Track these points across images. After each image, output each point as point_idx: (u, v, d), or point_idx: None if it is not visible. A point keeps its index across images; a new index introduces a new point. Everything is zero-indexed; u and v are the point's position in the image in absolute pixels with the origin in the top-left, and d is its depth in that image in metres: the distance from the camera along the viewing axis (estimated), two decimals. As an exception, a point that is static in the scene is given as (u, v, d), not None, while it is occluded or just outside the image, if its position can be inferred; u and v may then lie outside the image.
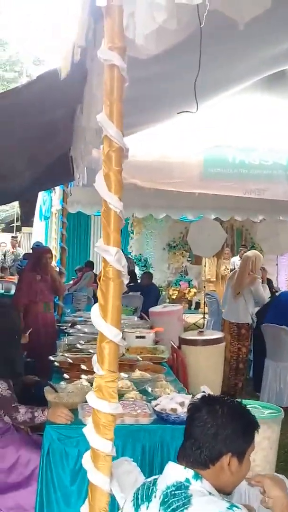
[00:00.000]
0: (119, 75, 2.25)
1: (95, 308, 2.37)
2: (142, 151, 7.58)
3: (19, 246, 18.94)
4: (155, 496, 1.90)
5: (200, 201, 10.49)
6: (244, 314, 7.38)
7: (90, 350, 4.89)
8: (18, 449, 3.53)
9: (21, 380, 3.92)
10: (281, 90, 6.41)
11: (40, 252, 7.13)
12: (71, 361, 4.49)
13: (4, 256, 17.25)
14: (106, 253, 2.30)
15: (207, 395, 2.18)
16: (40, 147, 4.91)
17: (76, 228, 17.38)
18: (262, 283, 7.51)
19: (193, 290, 15.95)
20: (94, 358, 2.41)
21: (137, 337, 5.25)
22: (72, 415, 3.30)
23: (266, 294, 7.62)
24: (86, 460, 2.34)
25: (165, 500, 1.84)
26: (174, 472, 1.94)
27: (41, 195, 12.72)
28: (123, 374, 4.09)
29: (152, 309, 7.76)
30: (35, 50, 29.45)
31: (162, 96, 4.34)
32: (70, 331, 5.96)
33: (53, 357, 4.78)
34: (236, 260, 14.38)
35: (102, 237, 2.36)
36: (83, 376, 4.05)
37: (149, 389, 3.80)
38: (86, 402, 3.46)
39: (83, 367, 4.29)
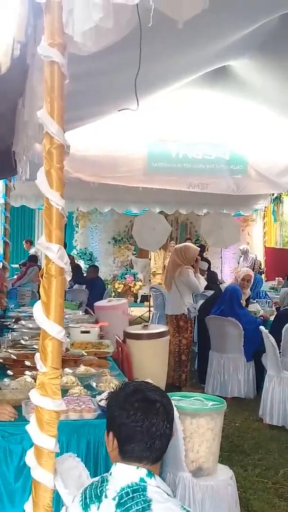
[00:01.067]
0: (59, 72, 2.24)
1: (38, 305, 2.37)
2: (86, 146, 7.58)
3: None
4: (105, 496, 1.90)
5: (145, 195, 10.57)
6: (179, 306, 7.36)
7: (35, 346, 4.87)
8: None
9: None
10: (224, 85, 6.47)
11: None
12: (14, 357, 4.46)
13: None
14: (48, 251, 2.29)
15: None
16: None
17: (20, 222, 17.21)
18: (196, 273, 7.47)
19: (139, 284, 16.01)
20: (37, 355, 2.40)
21: (82, 332, 5.25)
22: (16, 412, 3.28)
23: (201, 285, 7.60)
24: (30, 458, 2.34)
25: (121, 502, 1.84)
26: (127, 473, 1.94)
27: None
28: (67, 370, 4.10)
29: (97, 304, 7.77)
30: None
31: (104, 91, 4.35)
32: (14, 326, 5.91)
33: (-4, 353, 4.75)
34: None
35: (43, 234, 2.35)
36: (27, 372, 4.03)
37: (94, 384, 3.82)
38: (30, 398, 3.48)
39: (27, 363, 4.27)
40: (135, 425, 1.97)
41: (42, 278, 2.36)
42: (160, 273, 16.15)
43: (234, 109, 7.34)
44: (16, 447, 3.17)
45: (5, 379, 3.86)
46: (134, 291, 15.97)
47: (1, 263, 7.67)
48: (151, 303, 12.23)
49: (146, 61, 2.76)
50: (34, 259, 12.19)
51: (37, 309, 2.36)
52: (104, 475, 2.03)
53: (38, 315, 2.35)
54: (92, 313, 7.03)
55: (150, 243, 11.98)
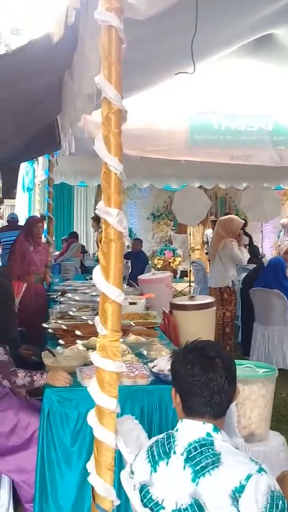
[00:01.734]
0: (116, 36, 2.25)
1: (97, 270, 2.41)
2: (128, 119, 7.53)
3: (1, 218, 18.86)
4: (174, 452, 1.94)
5: (184, 170, 10.52)
6: (223, 278, 7.36)
7: (83, 317, 4.94)
8: (17, 413, 3.58)
9: (17, 345, 3.95)
10: (267, 54, 6.34)
11: (32, 222, 7.11)
12: (65, 328, 4.53)
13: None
14: (107, 215, 2.33)
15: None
16: (27, 115, 4.87)
17: (59, 199, 17.30)
18: (239, 246, 7.45)
19: (178, 259, 16.04)
20: (97, 318, 2.45)
21: (130, 303, 5.29)
22: (71, 378, 3.35)
23: (244, 258, 7.57)
24: (91, 418, 2.40)
25: (190, 456, 1.89)
26: (193, 428, 1.97)
27: (24, 166, 12.64)
28: (118, 339, 4.15)
29: (141, 277, 7.81)
30: (12, 19, 28.86)
31: (157, 57, 4.31)
32: (61, 299, 6.00)
33: (46, 324, 4.83)
34: (208, 233, 14.40)
35: (102, 199, 2.38)
36: (78, 341, 4.09)
37: (145, 352, 3.86)
38: (83, 365, 3.55)
39: (78, 332, 4.34)
40: (193, 380, 2.02)
41: (100, 243, 2.40)
42: (199, 249, 16.14)
43: (277, 79, 7.21)
44: (72, 411, 3.24)
45: (58, 348, 3.94)
46: (174, 267, 15.99)
47: (46, 238, 7.76)
48: (192, 278, 12.25)
49: (198, 26, 2.75)
50: (74, 235, 12.29)
51: (97, 273, 2.40)
52: (170, 431, 2.07)
53: (98, 279, 2.39)
54: (136, 286, 7.08)
55: (189, 218, 11.97)
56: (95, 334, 4.28)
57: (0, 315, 3.73)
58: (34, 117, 4.99)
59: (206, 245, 14.56)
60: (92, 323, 4.66)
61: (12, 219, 12.48)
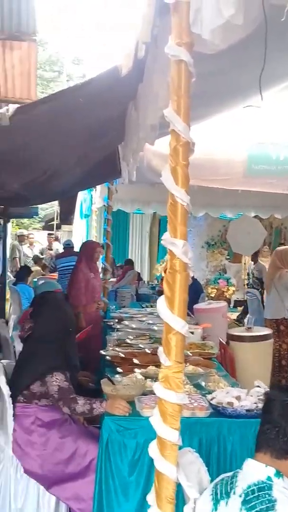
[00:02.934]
0: (186, 70, 2.29)
1: (162, 300, 2.42)
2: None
3: (58, 242, 19.13)
4: (234, 493, 1.92)
5: (241, 199, 10.50)
6: (279, 310, 7.27)
7: (140, 345, 4.95)
8: (76, 440, 3.60)
9: (76, 372, 3.98)
10: None
11: (92, 246, 7.18)
12: (123, 355, 4.55)
13: (41, 253, 17.44)
14: (173, 246, 2.34)
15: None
16: (90, 145, 4.97)
17: (115, 225, 17.39)
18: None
19: (232, 288, 15.87)
20: (160, 349, 2.46)
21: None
22: (130, 407, 3.35)
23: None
24: (152, 449, 2.38)
25: (247, 499, 1.86)
26: (255, 470, 1.95)
27: (81, 194, 12.87)
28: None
29: (196, 306, 7.77)
30: (74, 49, 29.64)
31: (224, 89, 4.34)
32: (118, 326, 6.03)
33: (104, 351, 4.85)
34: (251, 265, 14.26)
35: (168, 230, 2.40)
36: (136, 370, 4.10)
37: (203, 383, 3.83)
38: (141, 394, 3.55)
39: (135, 361, 4.34)
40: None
41: (165, 273, 2.41)
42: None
43: None
44: (130, 441, 3.24)
45: (117, 376, 3.95)
46: (227, 296, 15.82)
47: (103, 265, 7.82)
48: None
49: (259, 61, 2.75)
50: (130, 262, 12.37)
51: (161, 303, 2.41)
52: (237, 470, 2.04)
53: (162, 309, 2.40)
54: (192, 315, 7.05)
55: (244, 247, 11.93)
56: (153, 363, 4.31)
57: (62, 342, 3.77)
58: (97, 147, 5.09)
59: (248, 276, 14.32)
60: (149, 351, 4.69)
61: (68, 246, 12.70)
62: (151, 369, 4.12)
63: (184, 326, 2.34)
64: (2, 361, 4.00)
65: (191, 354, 4.68)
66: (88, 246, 7.27)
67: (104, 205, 10.74)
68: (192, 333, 5.28)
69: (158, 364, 4.22)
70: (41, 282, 10.23)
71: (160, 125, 3.80)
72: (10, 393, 3.64)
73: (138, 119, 4.15)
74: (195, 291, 10.62)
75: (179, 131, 2.30)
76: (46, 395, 3.64)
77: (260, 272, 13.06)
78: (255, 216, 12.13)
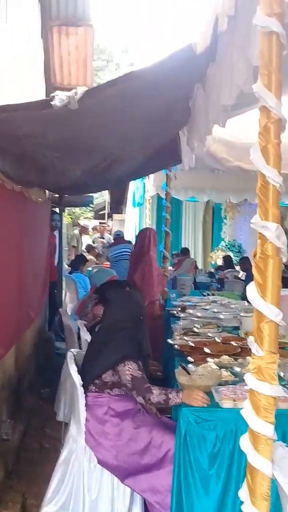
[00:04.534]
0: (278, 42, 2.15)
1: (252, 287, 2.30)
2: (247, 133, 7.39)
3: (110, 233, 19.12)
4: None
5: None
6: None
7: (209, 334, 4.84)
8: (150, 430, 3.51)
9: (148, 361, 3.89)
10: None
11: (154, 233, 7.04)
12: (192, 345, 4.44)
13: (93, 242, 17.48)
14: (264, 229, 2.22)
15: None
16: (154, 129, 4.84)
17: (161, 214, 17.27)
18: None
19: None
20: (251, 338, 2.34)
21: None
22: (208, 398, 3.24)
23: None
24: (245, 443, 2.27)
25: None
26: None
27: (133, 182, 12.80)
28: (250, 358, 4.00)
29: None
30: (123, 38, 29.51)
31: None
32: (181, 315, 5.92)
33: (171, 340, 4.76)
34: None
35: (258, 213, 2.27)
36: (209, 359, 3.98)
37: (281, 374, 3.69)
38: (219, 385, 3.43)
39: (207, 350, 4.23)
40: None
41: (255, 258, 2.29)
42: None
43: None
44: (210, 433, 3.13)
45: (190, 365, 3.84)
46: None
47: (162, 253, 7.72)
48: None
49: None
50: (186, 251, 12.26)
51: (252, 291, 2.29)
52: None
53: (253, 297, 2.29)
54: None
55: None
56: (225, 352, 4.18)
57: (133, 330, 3.68)
58: (161, 131, 4.95)
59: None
60: (219, 340, 4.56)
61: (118, 236, 12.72)
62: (225, 358, 4.00)
63: (278, 315, 2.22)
64: (71, 350, 3.93)
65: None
66: (152, 232, 7.08)
67: (158, 193, 10.70)
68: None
69: (230, 353, 4.12)
70: (95, 270, 10.18)
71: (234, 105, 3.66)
72: (82, 382, 3.57)
73: (208, 100, 4.01)
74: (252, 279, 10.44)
75: (271, 107, 2.16)
76: (118, 384, 3.56)
77: None
78: None
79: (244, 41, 2.70)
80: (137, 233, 11.04)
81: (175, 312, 6.18)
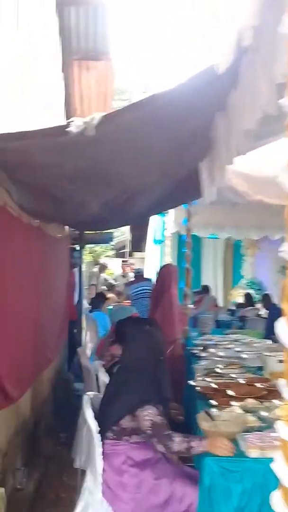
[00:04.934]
0: (307, 52, 1.96)
1: (282, 323, 2.07)
2: (267, 165, 7.22)
3: (132, 271, 18.98)
4: None
5: None
6: None
7: (232, 375, 4.56)
8: (171, 482, 3.23)
9: (169, 405, 3.62)
10: None
11: (176, 270, 6.82)
12: (215, 386, 4.17)
13: (115, 280, 17.35)
14: (295, 258, 1.99)
15: None
16: (174, 160, 4.67)
17: (182, 251, 17.07)
18: None
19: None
20: (282, 381, 2.10)
21: (280, 361, 4.83)
22: (234, 446, 2.97)
23: None
24: (276, 502, 2.00)
25: None
26: None
27: (153, 219, 12.68)
28: (277, 401, 3.72)
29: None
30: (142, 79, 29.77)
31: None
32: (202, 354, 5.66)
33: (193, 381, 4.49)
34: None
35: (286, 241, 2.05)
36: (233, 403, 3.71)
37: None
38: (244, 431, 3.16)
39: (230, 392, 3.95)
40: None
41: (284, 291, 2.07)
42: None
43: None
44: (236, 486, 2.86)
45: (213, 409, 3.56)
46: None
47: (183, 291, 7.47)
48: None
49: None
50: (206, 289, 12.04)
51: (282, 327, 2.06)
52: None
53: (283, 334, 2.05)
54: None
55: None
56: (250, 394, 3.91)
57: (153, 372, 3.44)
58: (180, 162, 4.78)
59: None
60: (243, 381, 4.29)
61: (138, 273, 12.57)
62: (250, 402, 3.72)
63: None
64: (88, 393, 3.68)
65: None
66: (174, 269, 6.85)
67: (178, 231, 10.54)
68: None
69: (256, 396, 3.84)
70: (115, 309, 9.97)
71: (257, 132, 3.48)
72: (99, 429, 3.32)
73: (229, 127, 3.83)
74: (275, 316, 10.14)
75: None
76: (137, 431, 3.30)
77: None
78: None
79: (267, 56, 2.52)
80: (158, 271, 10.85)
81: (196, 351, 5.92)
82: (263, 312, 11.44)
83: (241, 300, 13.92)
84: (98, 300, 10.74)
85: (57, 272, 6.86)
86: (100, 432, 3.32)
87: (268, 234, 12.15)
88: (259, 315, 10.84)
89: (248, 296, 13.19)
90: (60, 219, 5.68)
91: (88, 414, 3.36)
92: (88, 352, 8.61)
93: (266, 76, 2.60)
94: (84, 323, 10.61)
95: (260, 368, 4.99)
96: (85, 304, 12.12)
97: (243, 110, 3.17)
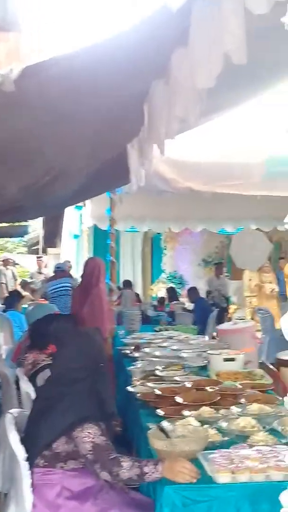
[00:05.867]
0: None
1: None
2: (198, 151, 6.80)
3: (45, 267, 18.19)
4: None
5: (240, 211, 9.96)
6: None
7: (176, 378, 4.04)
8: (119, 514, 2.66)
9: (113, 421, 3.04)
10: None
11: (103, 263, 6.22)
12: (159, 393, 3.63)
13: (31, 277, 16.57)
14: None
15: None
16: (104, 138, 4.09)
17: (102, 246, 16.51)
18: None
19: (233, 307, 15.04)
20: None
21: (225, 359, 4.36)
22: (197, 470, 2.44)
23: None
24: None
25: None
26: None
27: (68, 213, 12.10)
28: (235, 408, 3.23)
29: (221, 327, 6.87)
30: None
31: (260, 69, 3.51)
32: (136, 355, 5.13)
33: (131, 387, 3.95)
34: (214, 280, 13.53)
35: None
36: (185, 412, 3.18)
37: (279, 428, 2.93)
38: (206, 450, 2.64)
39: (179, 399, 3.42)
40: None
41: None
42: (256, 295, 15.11)
43: None
44: (203, 519, 2.33)
45: (164, 423, 2.99)
46: (229, 315, 14.98)
47: (108, 285, 6.89)
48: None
49: None
50: (128, 284, 11.56)
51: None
52: None
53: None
54: (216, 338, 6.17)
55: (249, 262, 11.39)
56: (201, 401, 3.39)
57: (92, 382, 2.84)
58: (110, 141, 4.22)
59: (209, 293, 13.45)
60: (189, 385, 3.78)
61: (58, 269, 11.94)
62: (205, 410, 3.19)
63: None
64: (11, 411, 3.01)
65: (241, 387, 3.78)
66: (101, 262, 6.23)
67: (95, 224, 10.02)
68: (233, 359, 4.38)
69: (209, 403, 3.33)
70: (31, 307, 9.13)
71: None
72: (26, 455, 2.70)
73: (173, 94, 3.29)
74: (205, 311, 9.82)
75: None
76: (74, 455, 2.71)
77: (224, 287, 13.19)
78: (257, 229, 11.51)
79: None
80: (76, 266, 10.21)
81: (127, 351, 5.38)
82: (188, 305, 11.11)
83: (162, 294, 13.53)
84: (12, 299, 10.00)
85: None
86: (28, 459, 2.70)
87: (189, 227, 11.92)
88: (185, 309, 10.47)
89: (170, 290, 12.83)
90: None
91: (12, 438, 2.73)
92: (3, 356, 7.87)
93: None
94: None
95: (203, 368, 4.51)
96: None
97: (197, 66, 2.64)
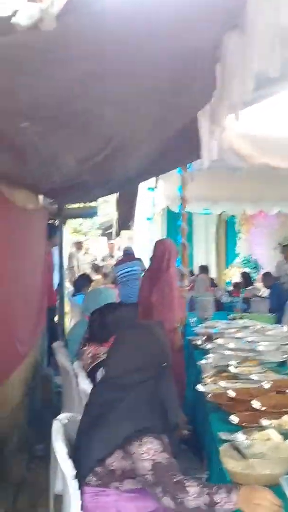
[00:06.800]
0: None
1: None
2: (277, 124, 6.24)
3: (118, 249, 17.97)
4: None
5: None
6: None
7: (252, 377, 3.53)
8: None
9: (177, 432, 2.56)
10: None
11: (174, 246, 5.68)
12: (233, 395, 3.14)
13: (103, 260, 16.42)
14: None
15: None
16: (172, 100, 3.56)
17: (174, 229, 16.01)
18: None
19: None
20: None
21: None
22: (281, 502, 1.95)
23: None
24: None
25: None
26: None
27: (141, 195, 11.80)
28: None
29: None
30: None
31: None
32: (207, 346, 4.65)
33: (202, 385, 3.49)
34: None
35: None
36: (263, 421, 2.67)
37: None
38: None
39: (256, 405, 2.92)
40: None
41: None
42: None
43: None
44: None
45: (239, 435, 2.50)
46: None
47: (179, 270, 6.41)
48: None
49: None
50: (205, 269, 11.11)
51: None
52: None
53: None
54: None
55: None
56: (283, 407, 2.88)
57: (154, 386, 2.39)
58: (179, 105, 3.69)
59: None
60: (267, 387, 3.28)
61: (127, 253, 11.68)
62: (287, 420, 2.68)
63: None
64: (60, 417, 2.59)
65: None
66: (172, 245, 5.65)
67: (168, 205, 9.59)
68: None
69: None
70: (89, 292, 8.50)
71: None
72: (75, 472, 2.28)
73: (248, 46, 2.77)
74: (278, 296, 9.23)
75: None
76: (131, 473, 2.27)
77: None
78: None
79: None
80: (150, 250, 9.76)
81: (198, 342, 4.92)
82: (263, 291, 10.51)
83: (237, 279, 12.95)
84: (82, 282, 9.66)
85: (30, 250, 5.77)
86: (77, 476, 2.28)
87: (263, 209, 11.41)
88: (257, 295, 9.89)
89: (245, 275, 12.26)
90: (28, 181, 4.53)
91: (59, 451, 2.31)
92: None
93: None
94: (67, 310, 9.54)
95: (283, 364, 3.98)
96: (68, 287, 11.05)
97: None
